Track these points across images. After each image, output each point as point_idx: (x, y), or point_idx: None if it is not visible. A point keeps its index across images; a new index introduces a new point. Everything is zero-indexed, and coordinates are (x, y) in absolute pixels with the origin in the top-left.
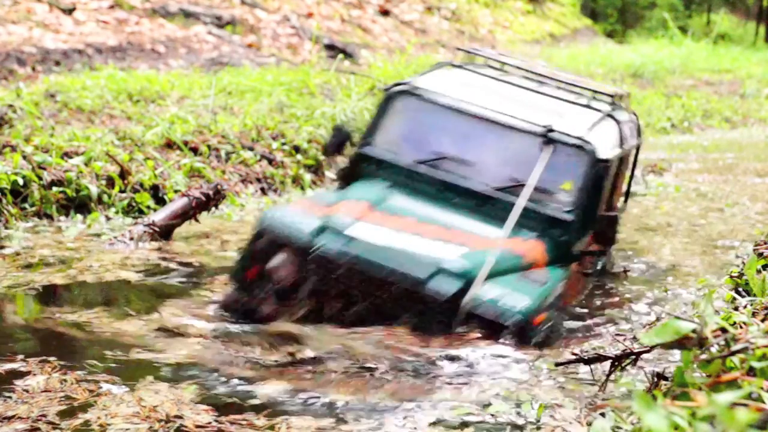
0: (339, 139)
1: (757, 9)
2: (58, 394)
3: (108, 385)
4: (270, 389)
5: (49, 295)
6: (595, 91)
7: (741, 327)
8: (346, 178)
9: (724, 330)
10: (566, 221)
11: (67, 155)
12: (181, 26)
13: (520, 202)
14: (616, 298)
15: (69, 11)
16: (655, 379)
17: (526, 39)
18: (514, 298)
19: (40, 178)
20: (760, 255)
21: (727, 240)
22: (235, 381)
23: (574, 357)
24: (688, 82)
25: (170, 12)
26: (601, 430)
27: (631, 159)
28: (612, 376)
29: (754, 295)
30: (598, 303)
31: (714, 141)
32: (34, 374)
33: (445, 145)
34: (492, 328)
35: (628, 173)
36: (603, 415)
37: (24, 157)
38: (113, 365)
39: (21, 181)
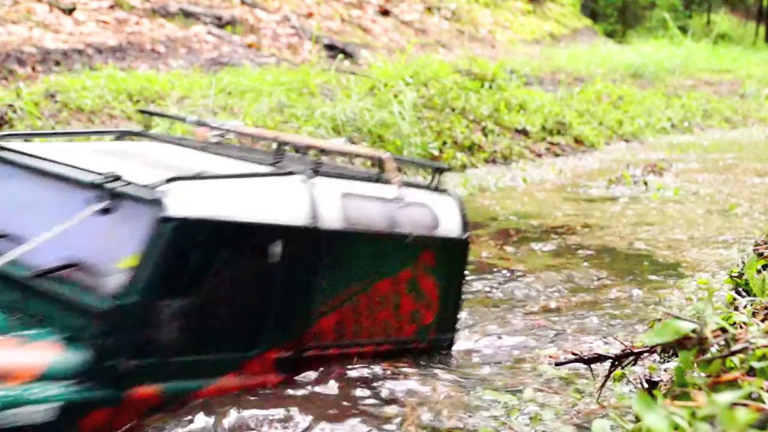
0: None
1: (757, 9)
2: None
3: None
4: None
5: None
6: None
7: (741, 327)
8: None
9: (724, 330)
10: (101, 313)
11: None
12: (181, 26)
13: None
14: (616, 298)
15: (69, 11)
16: (646, 385)
17: (526, 39)
18: None
19: None
20: (760, 255)
21: (726, 239)
22: None
23: (574, 357)
24: (688, 82)
25: (170, 12)
26: (601, 430)
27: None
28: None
29: (754, 295)
30: (597, 302)
31: (714, 141)
32: None
33: (5, 221)
34: None
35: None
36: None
37: None
38: None
39: None
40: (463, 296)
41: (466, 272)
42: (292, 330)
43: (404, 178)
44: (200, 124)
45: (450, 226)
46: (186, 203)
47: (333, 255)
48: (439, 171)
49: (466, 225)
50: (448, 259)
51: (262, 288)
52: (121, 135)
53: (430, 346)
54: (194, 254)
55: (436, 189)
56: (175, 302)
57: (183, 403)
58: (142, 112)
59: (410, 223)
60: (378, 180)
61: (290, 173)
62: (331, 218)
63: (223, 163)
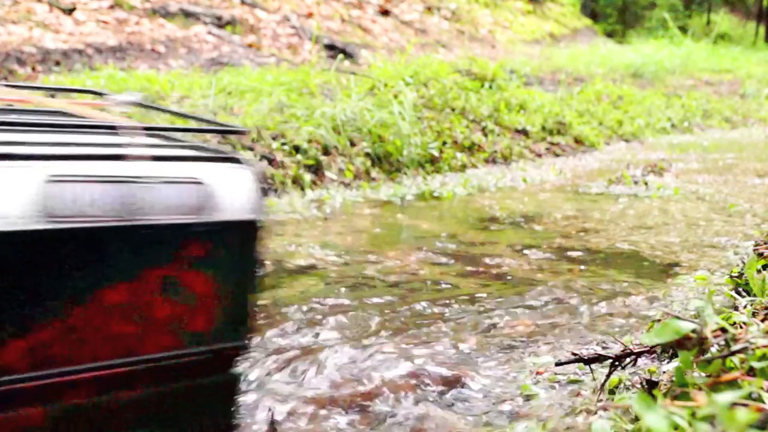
0: None
1: (757, 9)
2: None
3: None
4: None
5: None
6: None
7: (741, 327)
8: None
9: (724, 330)
10: None
11: None
12: (181, 26)
13: None
14: (615, 297)
15: (69, 11)
16: (646, 385)
17: (526, 39)
18: None
19: None
20: (760, 255)
21: (726, 240)
22: None
23: (573, 356)
24: (688, 82)
25: (170, 12)
26: (601, 430)
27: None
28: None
29: (754, 295)
30: (597, 301)
31: (714, 141)
32: None
33: None
34: None
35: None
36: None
37: None
38: None
39: None
40: (255, 293)
41: (259, 261)
42: None
43: (173, 148)
44: None
45: (234, 206)
46: None
47: (13, 264)
48: (229, 135)
49: (260, 203)
50: (231, 247)
51: None
52: None
53: (214, 355)
54: None
55: (221, 159)
56: None
57: None
58: None
59: (163, 208)
60: (121, 156)
61: None
62: (11, 216)
63: None
